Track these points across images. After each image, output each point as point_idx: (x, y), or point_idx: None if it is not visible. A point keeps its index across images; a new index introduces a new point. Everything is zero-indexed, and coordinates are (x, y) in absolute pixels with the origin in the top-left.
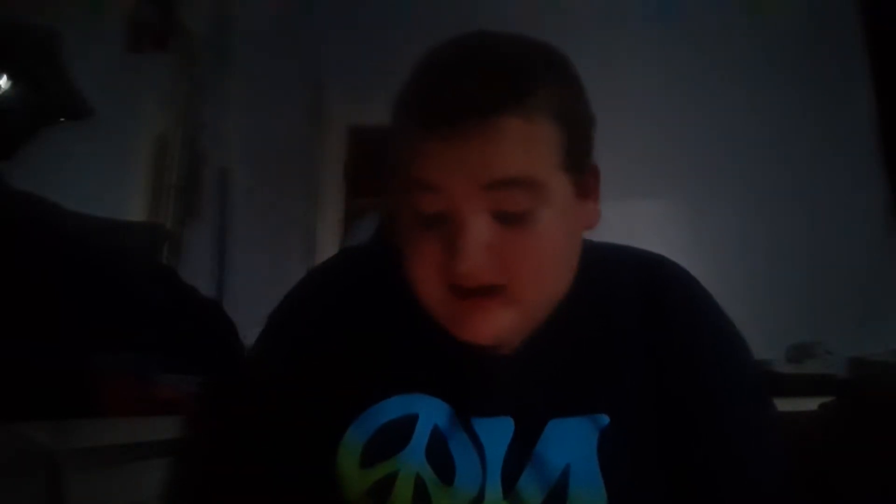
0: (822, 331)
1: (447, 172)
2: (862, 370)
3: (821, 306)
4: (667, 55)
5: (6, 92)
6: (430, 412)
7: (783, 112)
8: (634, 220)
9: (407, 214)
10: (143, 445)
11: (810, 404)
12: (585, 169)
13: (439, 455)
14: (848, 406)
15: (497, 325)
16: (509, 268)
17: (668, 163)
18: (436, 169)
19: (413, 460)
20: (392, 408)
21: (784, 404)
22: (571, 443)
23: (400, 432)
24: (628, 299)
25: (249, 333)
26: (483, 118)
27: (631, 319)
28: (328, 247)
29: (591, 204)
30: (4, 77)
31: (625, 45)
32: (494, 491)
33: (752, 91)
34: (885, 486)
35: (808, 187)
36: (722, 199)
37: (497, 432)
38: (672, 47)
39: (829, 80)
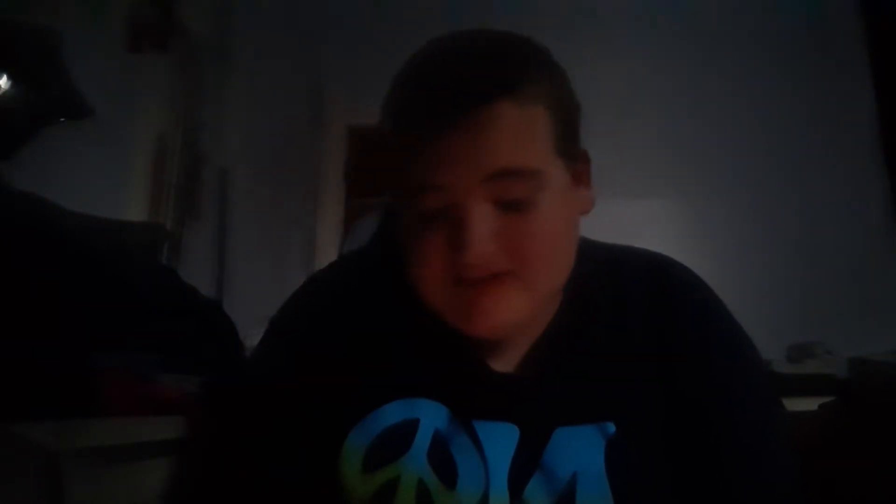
0: (822, 331)
1: (446, 169)
2: (862, 370)
3: (821, 306)
4: (667, 55)
5: (6, 92)
6: (432, 416)
7: (783, 112)
8: (634, 220)
9: (409, 215)
10: (143, 445)
11: (810, 404)
12: (577, 156)
13: (441, 459)
14: (848, 406)
15: (507, 312)
16: (515, 253)
17: (668, 163)
18: (435, 167)
19: (415, 465)
20: (393, 412)
21: (784, 404)
22: (578, 451)
23: (401, 437)
24: (636, 303)
25: (249, 334)
26: (477, 106)
27: (638, 323)
28: (328, 247)
29: (585, 191)
30: (4, 77)
31: (625, 45)
32: (500, 497)
33: (753, 91)
34: (885, 486)
35: (808, 187)
36: (722, 199)
37: (500, 437)
38: (672, 47)
39: (829, 80)
